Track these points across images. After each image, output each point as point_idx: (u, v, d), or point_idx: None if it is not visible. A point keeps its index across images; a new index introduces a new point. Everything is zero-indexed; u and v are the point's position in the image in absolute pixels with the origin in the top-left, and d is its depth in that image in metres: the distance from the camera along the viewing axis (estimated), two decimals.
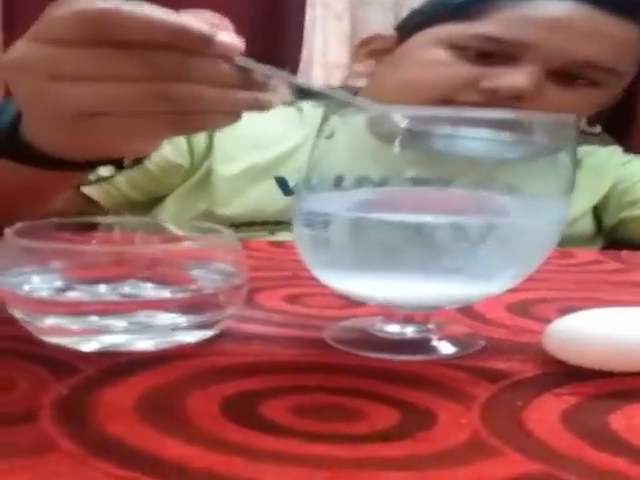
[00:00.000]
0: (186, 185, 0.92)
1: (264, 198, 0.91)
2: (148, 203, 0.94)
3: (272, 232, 0.90)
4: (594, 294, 0.56)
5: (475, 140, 0.37)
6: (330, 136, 0.39)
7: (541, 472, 0.29)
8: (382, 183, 0.38)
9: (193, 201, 0.91)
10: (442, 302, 0.42)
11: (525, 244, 0.39)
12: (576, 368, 0.39)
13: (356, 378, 0.37)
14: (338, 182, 0.39)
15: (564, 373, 0.39)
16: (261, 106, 0.40)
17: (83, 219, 0.46)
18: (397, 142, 0.37)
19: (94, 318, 0.40)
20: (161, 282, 0.42)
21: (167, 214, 0.91)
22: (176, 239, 0.45)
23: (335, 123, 0.39)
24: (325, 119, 0.39)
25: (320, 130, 0.39)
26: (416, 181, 0.38)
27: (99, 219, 0.48)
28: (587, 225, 0.97)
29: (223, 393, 0.35)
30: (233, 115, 0.41)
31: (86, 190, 0.86)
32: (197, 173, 0.92)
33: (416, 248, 0.37)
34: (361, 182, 0.38)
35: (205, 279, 0.42)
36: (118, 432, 0.31)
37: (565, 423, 0.33)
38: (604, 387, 0.37)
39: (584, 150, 0.99)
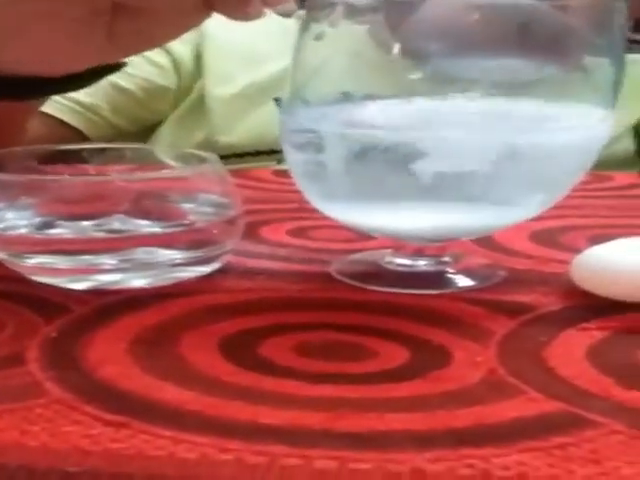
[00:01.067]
0: (179, 111, 0.91)
1: (267, 122, 0.89)
2: (140, 133, 0.93)
3: (280, 162, 0.89)
4: (629, 221, 0.55)
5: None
6: (319, 37, 0.37)
7: (563, 411, 0.28)
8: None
9: (190, 129, 0.90)
10: (457, 233, 0.41)
11: (555, 165, 0.38)
12: (605, 300, 0.38)
13: (364, 314, 0.37)
14: (335, 95, 0.37)
15: (592, 306, 0.38)
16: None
17: (59, 146, 0.45)
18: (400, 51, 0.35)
19: (85, 257, 0.40)
20: (149, 217, 0.41)
21: (162, 144, 0.90)
22: (157, 168, 0.44)
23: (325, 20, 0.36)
24: (311, 12, 0.37)
25: (305, 27, 0.37)
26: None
27: (78, 146, 0.47)
28: (627, 145, 0.94)
29: (222, 332, 0.35)
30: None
31: (66, 118, 0.85)
32: (189, 97, 0.90)
33: (428, 172, 0.36)
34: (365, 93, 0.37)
35: (196, 212, 0.42)
36: (109, 375, 0.31)
37: (591, 359, 0.32)
38: (634, 321, 0.36)
39: (627, 59, 0.96)
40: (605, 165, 0.86)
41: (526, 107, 0.37)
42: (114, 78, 0.87)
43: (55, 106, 0.85)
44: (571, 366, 0.32)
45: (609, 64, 0.38)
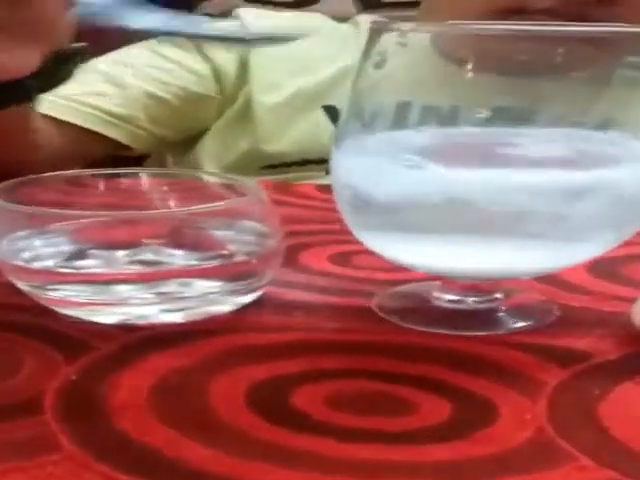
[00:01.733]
0: (224, 119, 0.90)
1: (315, 130, 0.88)
2: (187, 142, 0.92)
3: (329, 172, 0.88)
4: None
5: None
6: (380, 64, 0.35)
7: None
8: (452, 114, 0.35)
9: (235, 138, 0.89)
10: (513, 273, 0.39)
11: (631, 201, 0.36)
12: None
13: (405, 359, 0.36)
14: (394, 116, 0.36)
15: None
16: None
17: (89, 171, 0.45)
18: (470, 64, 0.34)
19: (114, 288, 0.39)
20: (185, 247, 0.40)
21: (207, 153, 0.90)
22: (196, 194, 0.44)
23: (387, 45, 0.36)
24: (372, 39, 0.36)
25: (366, 54, 0.36)
26: (493, 110, 0.35)
27: (110, 171, 0.47)
28: None
29: (252, 378, 0.34)
30: None
31: (105, 131, 0.85)
32: (234, 104, 0.90)
33: (486, 211, 0.34)
34: (426, 113, 0.36)
35: (235, 241, 0.41)
36: (127, 427, 0.30)
37: None
38: None
39: None
40: None
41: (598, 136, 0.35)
42: (150, 88, 0.87)
43: (83, 117, 0.85)
44: (628, 426, 0.30)
45: None
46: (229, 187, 0.43)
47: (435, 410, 0.31)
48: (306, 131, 0.89)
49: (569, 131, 0.34)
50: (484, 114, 0.33)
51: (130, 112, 0.87)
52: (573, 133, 0.34)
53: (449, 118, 0.36)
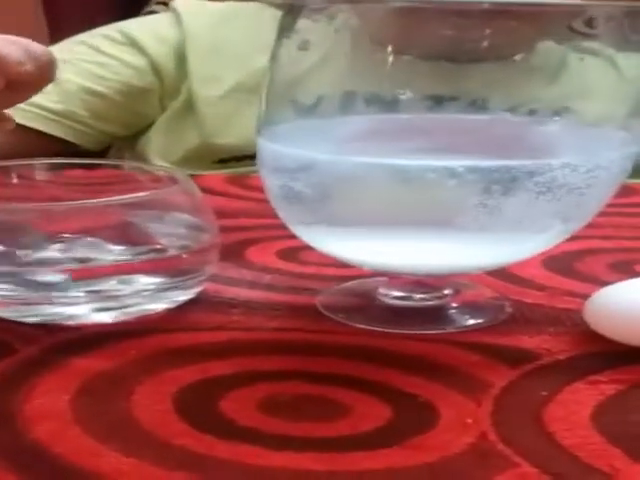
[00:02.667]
0: (168, 113, 0.88)
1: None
2: (134, 137, 0.90)
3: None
4: None
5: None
6: (304, 46, 0.33)
7: None
8: (386, 100, 0.33)
9: (181, 132, 0.87)
10: (459, 268, 0.37)
11: (578, 192, 0.34)
12: (621, 346, 0.35)
13: (346, 360, 0.34)
14: (319, 105, 0.34)
15: (605, 353, 0.35)
16: None
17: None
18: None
19: (45, 287, 0.37)
20: (115, 241, 0.38)
21: (154, 148, 0.88)
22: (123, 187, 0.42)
23: (308, 27, 0.34)
24: (289, 20, 0.34)
25: (282, 36, 0.34)
26: (434, 100, 0.33)
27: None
28: None
29: (181, 381, 0.32)
30: None
31: (47, 129, 0.83)
32: (178, 98, 0.88)
33: (422, 201, 0.32)
34: (354, 101, 0.34)
35: (167, 235, 0.39)
36: (44, 435, 0.28)
37: (597, 423, 0.29)
38: None
39: None
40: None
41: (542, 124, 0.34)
42: (88, 83, 0.85)
43: (27, 116, 0.83)
44: (574, 432, 0.29)
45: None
46: (158, 179, 0.41)
47: (372, 414, 0.30)
48: (254, 124, 0.87)
49: (508, 118, 0.33)
50: (406, 96, 0.31)
51: (68, 108, 0.85)
52: (513, 121, 0.33)
53: (384, 104, 0.34)
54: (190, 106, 0.87)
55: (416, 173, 0.32)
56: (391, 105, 0.34)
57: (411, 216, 0.33)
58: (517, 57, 0.33)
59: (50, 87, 0.84)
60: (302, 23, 0.33)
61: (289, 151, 0.34)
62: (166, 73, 0.87)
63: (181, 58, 0.87)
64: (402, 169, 0.32)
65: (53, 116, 0.84)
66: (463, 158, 0.31)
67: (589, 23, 0.34)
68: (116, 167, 0.45)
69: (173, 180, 0.40)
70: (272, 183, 0.35)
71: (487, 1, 0.31)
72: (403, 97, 0.33)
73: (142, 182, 0.42)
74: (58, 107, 0.84)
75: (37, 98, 0.81)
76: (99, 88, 0.85)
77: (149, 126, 0.90)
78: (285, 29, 0.34)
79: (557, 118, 0.34)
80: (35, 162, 0.44)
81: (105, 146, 0.93)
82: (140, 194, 0.36)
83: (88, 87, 0.85)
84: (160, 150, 0.88)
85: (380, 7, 0.33)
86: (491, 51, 0.33)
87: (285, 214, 0.36)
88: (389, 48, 0.33)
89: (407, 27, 0.32)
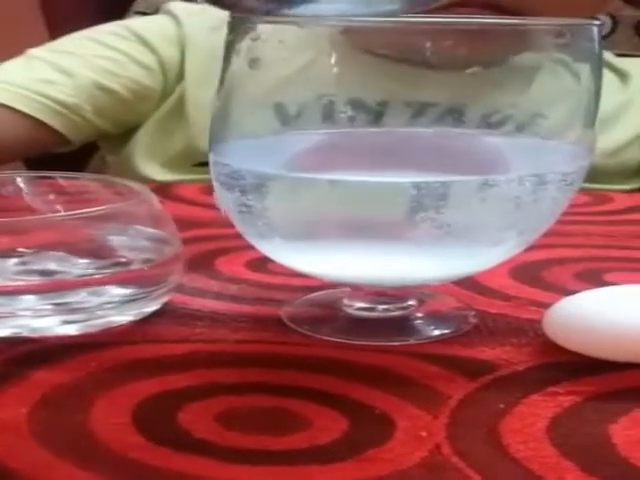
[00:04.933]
0: (158, 114, 0.88)
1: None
2: (123, 136, 0.90)
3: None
4: (625, 253, 0.52)
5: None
6: (254, 63, 0.34)
7: None
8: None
9: (169, 133, 0.87)
10: (417, 281, 0.38)
11: (529, 206, 0.34)
12: (580, 357, 0.35)
13: (307, 372, 0.34)
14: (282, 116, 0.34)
15: (564, 364, 0.35)
16: None
17: None
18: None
19: (5, 299, 0.37)
20: (77, 254, 0.38)
21: (141, 149, 0.88)
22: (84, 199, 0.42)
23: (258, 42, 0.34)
24: (238, 34, 0.34)
25: (232, 49, 0.34)
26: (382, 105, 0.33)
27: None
28: (633, 155, 0.90)
29: (140, 394, 0.32)
30: None
31: (46, 119, 0.83)
32: (170, 99, 0.88)
33: (371, 216, 0.33)
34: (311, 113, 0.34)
35: (131, 249, 0.39)
36: (1, 450, 0.28)
37: (552, 436, 0.30)
38: (609, 383, 0.33)
39: (638, 63, 0.93)
40: (611, 175, 0.83)
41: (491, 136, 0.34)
42: (99, 78, 0.85)
43: (35, 107, 0.82)
44: (528, 444, 0.29)
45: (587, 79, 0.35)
46: (117, 192, 0.41)
47: (330, 427, 0.30)
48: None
49: (460, 132, 0.33)
50: (348, 113, 0.32)
51: (78, 102, 0.84)
52: (464, 134, 0.33)
53: (362, 113, 0.34)
54: (180, 108, 0.87)
55: (362, 189, 0.32)
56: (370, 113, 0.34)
57: (362, 230, 0.33)
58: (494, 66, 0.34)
59: (65, 79, 0.84)
60: (249, 41, 0.33)
61: (240, 167, 0.34)
62: (171, 73, 0.87)
63: (182, 60, 0.87)
64: (348, 185, 0.32)
65: (61, 109, 0.83)
66: (413, 173, 0.32)
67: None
68: (77, 179, 0.45)
69: (133, 193, 0.40)
70: (226, 197, 0.36)
71: (451, 21, 0.31)
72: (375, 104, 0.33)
73: (103, 195, 0.42)
74: (69, 100, 0.83)
75: (45, 88, 0.82)
76: (109, 84, 0.85)
77: (139, 125, 0.89)
78: (232, 46, 0.34)
79: (517, 129, 0.35)
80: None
81: (85, 144, 0.91)
82: (102, 207, 0.37)
83: (99, 82, 0.85)
84: (147, 151, 0.88)
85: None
86: (467, 61, 0.33)
87: (241, 228, 0.36)
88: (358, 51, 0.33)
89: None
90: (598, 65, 0.35)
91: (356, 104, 0.34)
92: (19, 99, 0.81)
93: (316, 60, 0.33)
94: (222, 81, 0.35)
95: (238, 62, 0.34)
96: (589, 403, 0.32)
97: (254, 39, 0.33)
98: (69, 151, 0.89)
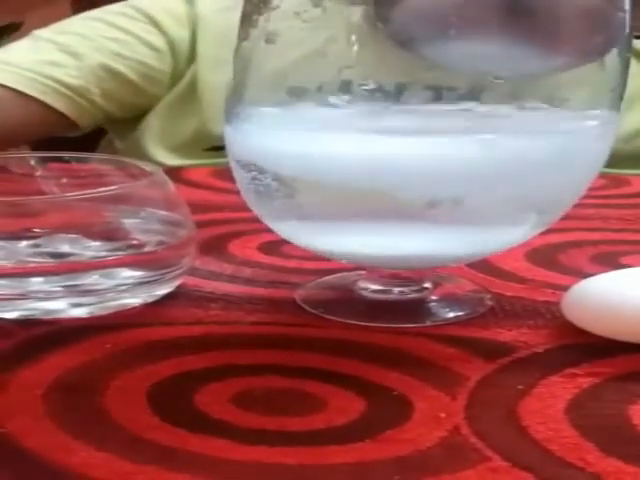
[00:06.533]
0: (170, 97, 0.87)
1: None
2: (132, 120, 0.89)
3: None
4: None
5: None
6: (272, 38, 0.33)
7: None
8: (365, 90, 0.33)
9: (181, 117, 0.86)
10: (435, 261, 0.38)
11: (551, 180, 0.34)
12: (598, 339, 0.35)
13: (322, 354, 0.34)
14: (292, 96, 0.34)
15: (582, 346, 0.35)
16: None
17: None
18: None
19: (17, 281, 0.37)
20: (90, 236, 0.38)
21: (151, 134, 0.87)
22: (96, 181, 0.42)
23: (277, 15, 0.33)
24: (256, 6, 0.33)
25: (249, 22, 0.34)
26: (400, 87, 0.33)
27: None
28: None
29: (156, 376, 0.32)
30: None
31: (51, 102, 0.82)
32: (181, 82, 0.87)
33: (391, 195, 0.33)
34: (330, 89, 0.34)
35: (144, 231, 0.39)
36: (16, 429, 0.28)
37: (571, 416, 0.29)
38: (628, 364, 0.33)
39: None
40: (628, 159, 0.83)
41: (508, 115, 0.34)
42: (106, 60, 0.84)
43: (40, 89, 0.82)
44: (547, 425, 0.29)
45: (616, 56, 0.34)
46: (131, 174, 0.41)
47: (347, 408, 0.30)
48: None
49: (489, 109, 0.33)
50: (365, 93, 0.31)
51: (84, 84, 0.83)
52: (495, 110, 0.33)
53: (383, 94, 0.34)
54: (192, 91, 0.86)
55: (387, 165, 0.32)
56: (389, 95, 0.33)
57: (381, 210, 0.33)
58: None
59: (70, 61, 0.83)
60: (267, 15, 0.33)
61: (256, 143, 0.34)
62: (181, 55, 0.86)
63: (193, 40, 0.86)
64: (370, 161, 0.32)
65: (67, 91, 0.82)
66: (436, 151, 0.32)
67: None
68: (90, 161, 0.45)
69: (146, 174, 0.40)
70: (241, 176, 0.35)
71: None
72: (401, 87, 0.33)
73: (117, 177, 0.42)
74: (75, 82, 0.83)
75: (50, 70, 0.81)
76: (117, 66, 0.84)
77: (146, 110, 0.89)
78: (249, 19, 0.34)
79: (542, 109, 0.34)
80: (11, 155, 0.44)
81: (96, 127, 0.91)
82: (113, 187, 0.37)
83: (106, 64, 0.84)
84: (158, 135, 0.87)
85: None
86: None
87: (256, 208, 0.36)
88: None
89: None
90: (625, 48, 0.35)
91: (373, 85, 0.34)
92: (24, 81, 0.81)
93: (334, 38, 0.32)
94: (237, 52, 0.34)
95: (255, 34, 0.33)
96: (608, 384, 0.32)
97: (272, 9, 0.33)
98: (77, 135, 0.89)
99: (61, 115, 0.84)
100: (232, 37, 0.90)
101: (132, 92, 0.86)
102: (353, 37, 0.32)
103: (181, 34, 0.87)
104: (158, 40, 0.86)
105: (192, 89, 0.86)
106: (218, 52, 0.85)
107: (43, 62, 0.82)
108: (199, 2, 0.87)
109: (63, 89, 0.83)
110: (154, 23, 0.86)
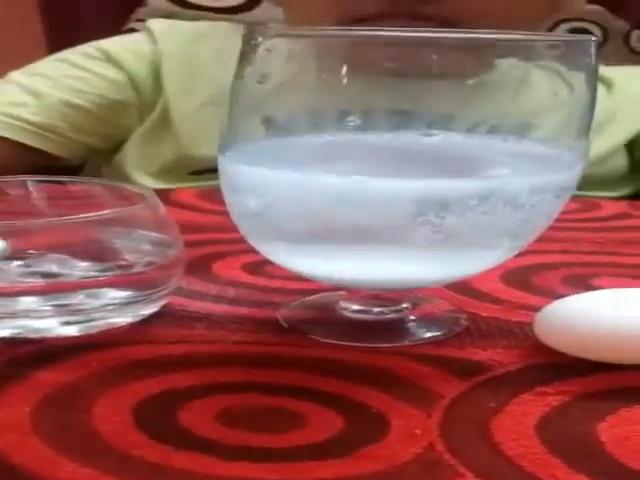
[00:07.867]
0: (145, 126, 0.89)
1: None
2: (114, 150, 0.91)
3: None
4: (613, 259, 0.53)
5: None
6: (263, 79, 0.34)
7: None
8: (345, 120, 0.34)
9: (157, 145, 0.88)
10: (413, 284, 0.38)
11: (524, 212, 0.35)
12: (568, 359, 0.36)
13: (303, 372, 0.35)
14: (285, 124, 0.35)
15: (553, 365, 0.36)
16: None
17: None
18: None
19: (8, 301, 0.38)
20: (80, 257, 0.39)
21: (132, 161, 0.89)
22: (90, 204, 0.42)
23: (271, 55, 0.34)
24: (251, 47, 0.35)
25: (246, 61, 0.35)
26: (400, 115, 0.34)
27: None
28: (619, 163, 0.91)
29: (141, 393, 0.33)
30: None
31: (25, 140, 0.84)
32: (154, 112, 0.88)
33: (370, 219, 0.33)
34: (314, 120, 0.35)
35: (133, 251, 0.39)
36: (3, 446, 0.29)
37: (541, 433, 0.30)
38: (597, 383, 0.34)
39: (623, 72, 0.93)
40: (598, 183, 0.84)
41: (481, 144, 0.35)
42: (67, 96, 0.86)
43: (8, 128, 0.84)
44: (519, 442, 0.30)
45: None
46: (125, 196, 0.42)
47: (326, 425, 0.31)
48: None
49: (463, 138, 0.34)
50: (354, 121, 0.32)
51: (49, 121, 0.86)
52: (461, 140, 0.34)
53: (352, 122, 0.35)
54: (166, 119, 0.88)
55: (361, 193, 0.33)
56: (358, 122, 0.34)
57: (361, 234, 0.34)
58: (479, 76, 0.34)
59: (29, 100, 0.85)
60: (260, 54, 0.34)
61: (243, 169, 0.35)
62: (144, 87, 0.88)
63: (157, 74, 0.88)
64: (346, 188, 0.33)
65: (32, 127, 0.84)
66: (412, 178, 0.32)
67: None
68: (85, 184, 0.45)
69: (139, 197, 0.40)
70: (231, 200, 0.36)
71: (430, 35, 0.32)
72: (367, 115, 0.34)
73: (110, 199, 0.42)
74: (37, 119, 0.85)
75: (15, 110, 0.83)
76: (77, 101, 0.86)
77: (126, 140, 0.90)
78: (245, 58, 0.35)
79: (513, 137, 0.35)
80: (3, 179, 0.45)
81: (85, 159, 0.93)
82: (107, 212, 0.37)
83: (66, 100, 0.86)
84: (137, 163, 0.89)
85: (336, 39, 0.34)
86: (451, 72, 0.33)
87: (244, 230, 0.37)
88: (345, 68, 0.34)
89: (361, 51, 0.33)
90: (593, 76, 0.36)
91: (362, 115, 0.35)
92: None
93: (307, 71, 0.33)
94: (233, 89, 0.35)
95: (250, 72, 0.34)
96: (577, 403, 0.33)
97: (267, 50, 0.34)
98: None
99: (38, 151, 0.86)
100: (195, 68, 0.92)
101: (100, 124, 0.89)
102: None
103: (141, 68, 0.90)
104: (116, 74, 0.89)
105: (165, 118, 0.89)
106: (185, 83, 0.88)
107: (8, 104, 0.85)
108: (162, 40, 0.90)
109: (29, 127, 0.85)
110: (112, 60, 0.89)
